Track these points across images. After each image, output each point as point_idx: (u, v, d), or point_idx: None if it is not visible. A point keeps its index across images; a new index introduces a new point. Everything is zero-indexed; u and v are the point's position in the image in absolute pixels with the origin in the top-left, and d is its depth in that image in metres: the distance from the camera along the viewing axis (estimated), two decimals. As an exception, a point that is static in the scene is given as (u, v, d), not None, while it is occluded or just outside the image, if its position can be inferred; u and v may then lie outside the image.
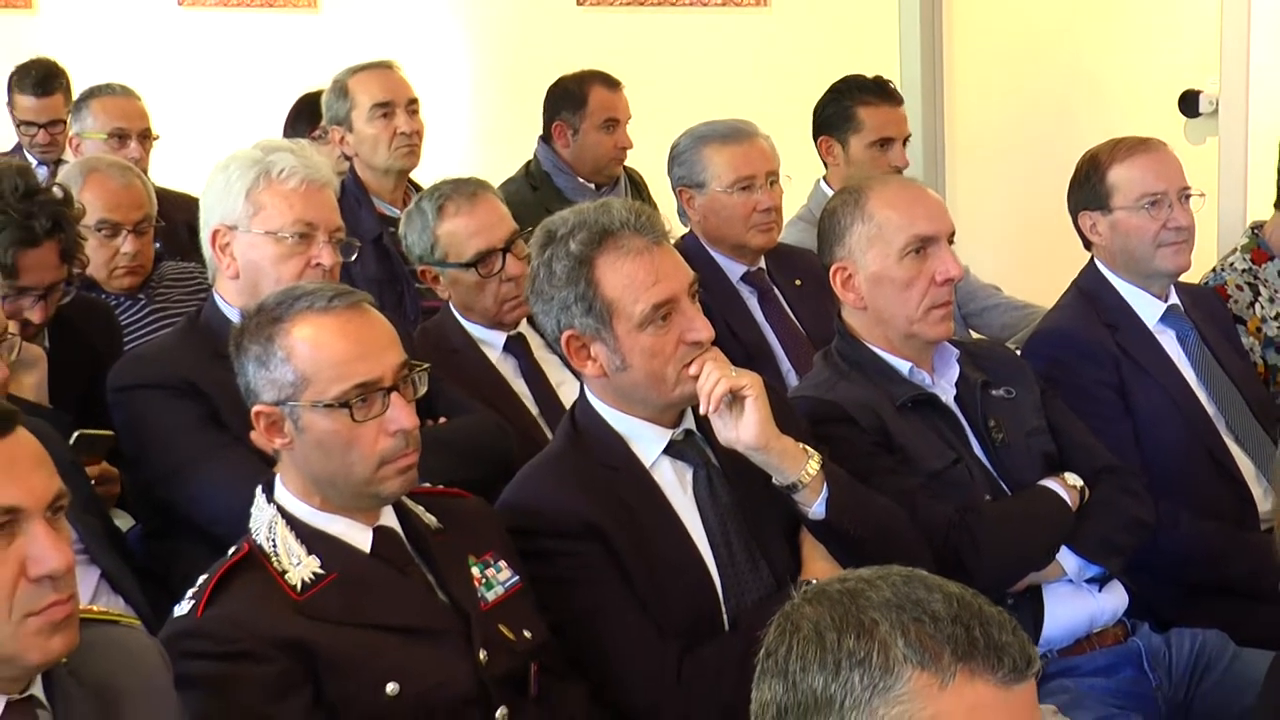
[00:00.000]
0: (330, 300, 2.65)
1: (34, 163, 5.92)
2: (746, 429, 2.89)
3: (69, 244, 3.70)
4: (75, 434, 3.49)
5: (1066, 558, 3.32)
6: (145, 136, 5.70)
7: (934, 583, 1.67)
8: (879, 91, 4.94)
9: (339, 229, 3.58)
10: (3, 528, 2.10)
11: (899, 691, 1.59)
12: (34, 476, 2.16)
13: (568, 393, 3.83)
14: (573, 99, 5.61)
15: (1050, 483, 3.35)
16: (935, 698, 1.59)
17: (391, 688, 2.54)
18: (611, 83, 5.64)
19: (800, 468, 2.94)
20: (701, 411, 2.93)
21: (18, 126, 6.38)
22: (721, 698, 2.83)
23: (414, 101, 5.18)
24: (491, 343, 3.96)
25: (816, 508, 2.96)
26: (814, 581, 2.94)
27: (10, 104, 6.41)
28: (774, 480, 2.96)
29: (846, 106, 4.90)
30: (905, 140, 4.96)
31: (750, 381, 2.90)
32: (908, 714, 1.59)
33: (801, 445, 2.97)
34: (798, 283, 4.37)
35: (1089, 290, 3.92)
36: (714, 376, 2.88)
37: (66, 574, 2.15)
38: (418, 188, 5.13)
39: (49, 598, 2.13)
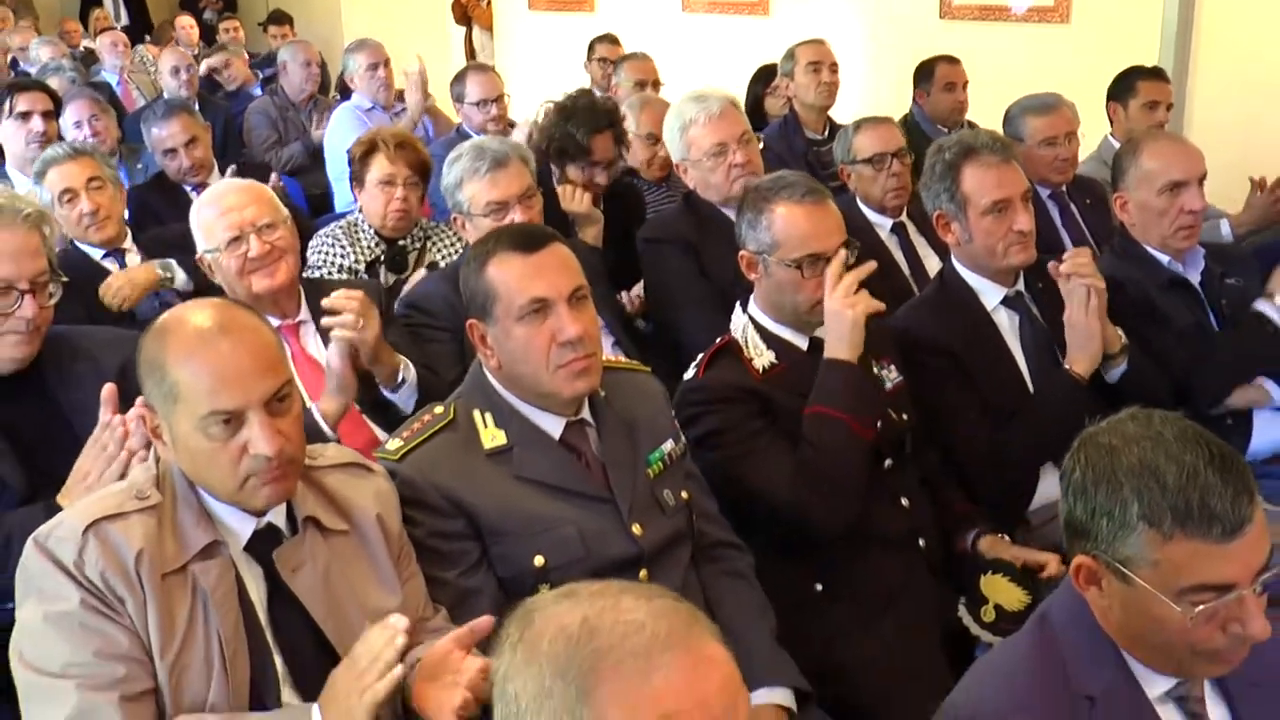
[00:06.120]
0: (803, 194, 2.50)
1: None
2: (1094, 316, 2.67)
3: (619, 134, 3.77)
4: None
5: (1274, 389, 2.99)
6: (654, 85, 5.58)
7: (1174, 451, 1.48)
8: (1153, 73, 4.51)
9: (745, 132, 3.44)
10: (537, 312, 2.05)
11: (1133, 539, 1.47)
12: (560, 276, 2.08)
13: (929, 264, 3.64)
14: (925, 72, 5.30)
15: (1261, 304, 2.99)
16: (1160, 547, 1.46)
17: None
18: (950, 60, 5.28)
19: (1112, 347, 2.75)
20: (1064, 281, 2.70)
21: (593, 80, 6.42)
22: (1013, 454, 2.68)
23: (835, 65, 5.02)
24: (882, 225, 3.74)
25: (1113, 374, 2.75)
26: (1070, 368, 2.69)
27: (586, 64, 6.46)
28: None
29: (1130, 80, 4.47)
30: (1168, 107, 4.48)
31: (1104, 286, 2.68)
32: (1141, 555, 1.47)
33: (1117, 330, 2.74)
34: (1088, 201, 4.03)
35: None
36: (1088, 270, 2.68)
37: (583, 338, 2.06)
38: (832, 122, 4.98)
39: (569, 355, 2.05)
